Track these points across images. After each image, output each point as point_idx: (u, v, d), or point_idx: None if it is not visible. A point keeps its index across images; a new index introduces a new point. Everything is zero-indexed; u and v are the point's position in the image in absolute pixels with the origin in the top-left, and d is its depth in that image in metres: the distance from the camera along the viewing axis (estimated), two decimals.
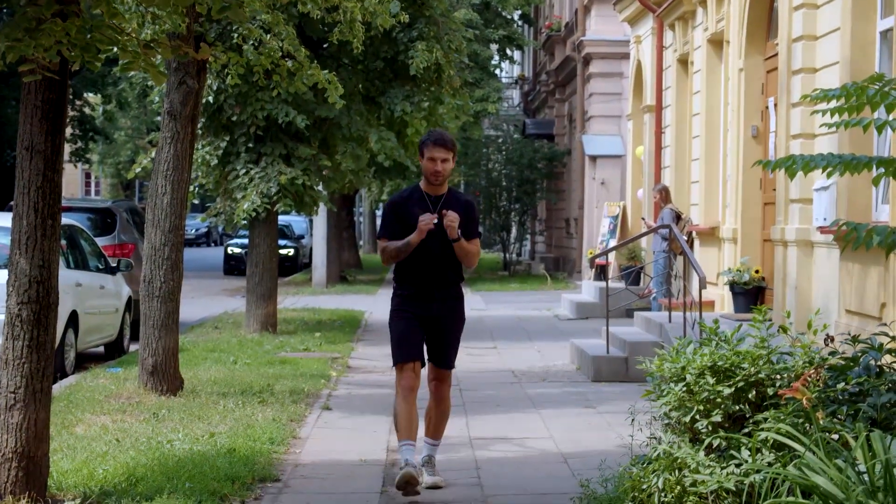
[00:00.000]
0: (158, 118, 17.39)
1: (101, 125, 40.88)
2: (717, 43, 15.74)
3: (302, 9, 10.81)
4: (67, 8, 5.96)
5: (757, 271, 13.69)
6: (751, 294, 13.60)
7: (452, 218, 7.45)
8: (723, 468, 5.84)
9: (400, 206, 7.64)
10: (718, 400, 6.12)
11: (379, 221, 8.30)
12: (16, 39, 5.78)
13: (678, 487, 5.96)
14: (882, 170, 5.56)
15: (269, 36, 10.73)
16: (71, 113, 33.86)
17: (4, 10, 23.74)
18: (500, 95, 36.88)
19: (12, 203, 6.55)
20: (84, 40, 5.94)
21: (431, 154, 7.56)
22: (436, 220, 7.44)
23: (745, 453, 5.78)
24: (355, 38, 10.95)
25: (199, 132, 15.79)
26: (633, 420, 7.08)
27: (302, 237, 40.45)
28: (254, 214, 15.88)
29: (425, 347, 7.69)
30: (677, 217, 16.52)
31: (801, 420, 5.68)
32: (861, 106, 5.62)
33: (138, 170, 16.72)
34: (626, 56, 24.55)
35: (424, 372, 7.76)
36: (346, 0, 10.58)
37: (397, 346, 7.58)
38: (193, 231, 59.13)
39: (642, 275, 18.85)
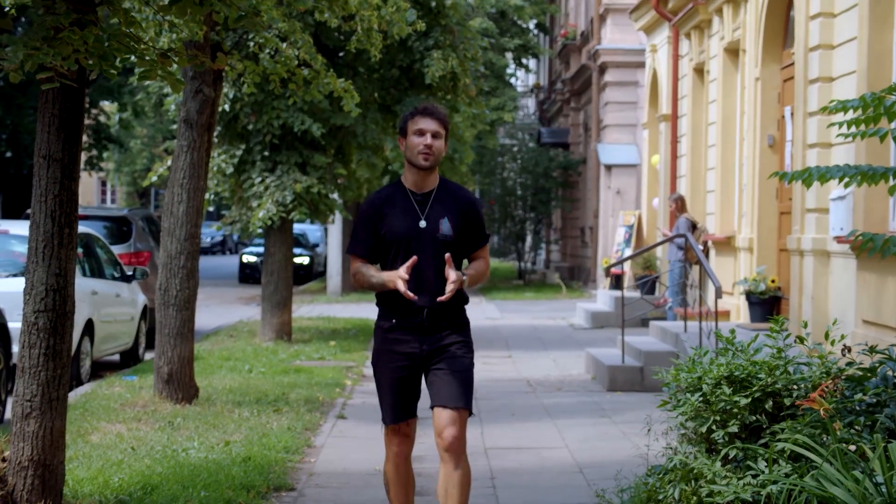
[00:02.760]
0: (174, 127, 17.43)
1: (117, 134, 41.02)
2: (733, 52, 15.72)
3: (319, 17, 10.83)
4: (85, 17, 5.98)
5: (773, 281, 13.65)
6: (767, 304, 13.57)
7: (449, 293, 5.74)
8: (739, 479, 5.81)
9: (375, 211, 5.92)
10: (735, 410, 6.10)
11: None
12: (34, 48, 5.79)
13: (694, 498, 5.94)
14: None
15: (285, 44, 10.75)
16: (86, 121, 33.99)
17: (23, 19, 23.86)
18: (515, 104, 36.90)
19: (29, 211, 6.56)
20: (102, 49, 5.95)
21: (418, 126, 5.86)
22: (423, 224, 5.89)
23: (761, 464, 5.76)
24: (373, 46, 10.96)
25: (215, 140, 15.84)
26: (648, 430, 7.07)
27: (317, 245, 40.56)
28: (269, 223, 15.92)
29: (427, 387, 6.02)
30: (693, 226, 16.50)
31: (818, 431, 5.66)
32: (878, 116, 5.61)
33: (154, 178, 16.77)
34: (641, 65, 24.56)
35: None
36: (363, 9, 10.59)
37: (382, 404, 6.03)
38: (209, 239, 59.32)
39: (657, 284, 18.82)
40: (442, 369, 5.88)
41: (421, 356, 5.89)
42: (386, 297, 5.92)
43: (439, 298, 5.75)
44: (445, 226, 5.89)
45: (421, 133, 5.84)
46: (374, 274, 5.88)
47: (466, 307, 6.08)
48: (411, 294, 5.68)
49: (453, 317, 5.94)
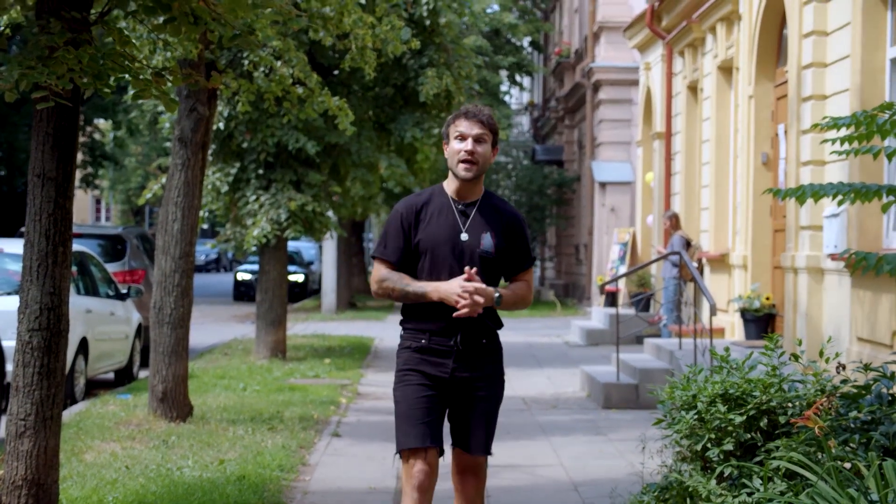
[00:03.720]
0: (169, 144, 17.43)
1: (112, 151, 41.07)
2: (726, 70, 15.76)
3: (313, 36, 10.84)
4: (80, 36, 5.99)
5: (767, 298, 13.66)
6: (761, 321, 13.58)
7: (472, 299, 5.16)
8: (735, 497, 5.81)
9: (411, 215, 5.28)
10: (730, 428, 6.10)
11: None
12: (29, 67, 5.81)
13: None
14: (892, 198, 5.57)
15: (279, 63, 10.77)
16: (81, 139, 34.01)
17: (18, 38, 23.89)
18: (509, 122, 36.96)
19: (23, 229, 6.55)
20: (96, 68, 5.96)
21: (459, 129, 5.24)
22: (465, 238, 5.29)
23: (756, 482, 5.75)
24: (367, 64, 10.98)
25: (210, 159, 15.84)
26: (643, 448, 7.07)
27: (311, 263, 40.56)
28: (264, 241, 15.91)
29: (448, 419, 5.44)
30: (687, 244, 16.51)
31: (813, 449, 5.66)
32: (871, 134, 5.63)
33: (149, 196, 16.77)
34: (635, 82, 24.61)
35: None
36: (358, 27, 10.61)
37: (403, 426, 5.30)
38: (203, 257, 59.32)
39: (652, 301, 18.82)
40: (468, 410, 5.32)
41: (448, 381, 5.27)
42: (416, 313, 5.30)
43: (454, 314, 5.16)
44: (487, 241, 5.28)
45: (462, 138, 5.22)
46: (411, 283, 5.22)
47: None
48: (466, 312, 5.14)
49: (488, 341, 5.34)
